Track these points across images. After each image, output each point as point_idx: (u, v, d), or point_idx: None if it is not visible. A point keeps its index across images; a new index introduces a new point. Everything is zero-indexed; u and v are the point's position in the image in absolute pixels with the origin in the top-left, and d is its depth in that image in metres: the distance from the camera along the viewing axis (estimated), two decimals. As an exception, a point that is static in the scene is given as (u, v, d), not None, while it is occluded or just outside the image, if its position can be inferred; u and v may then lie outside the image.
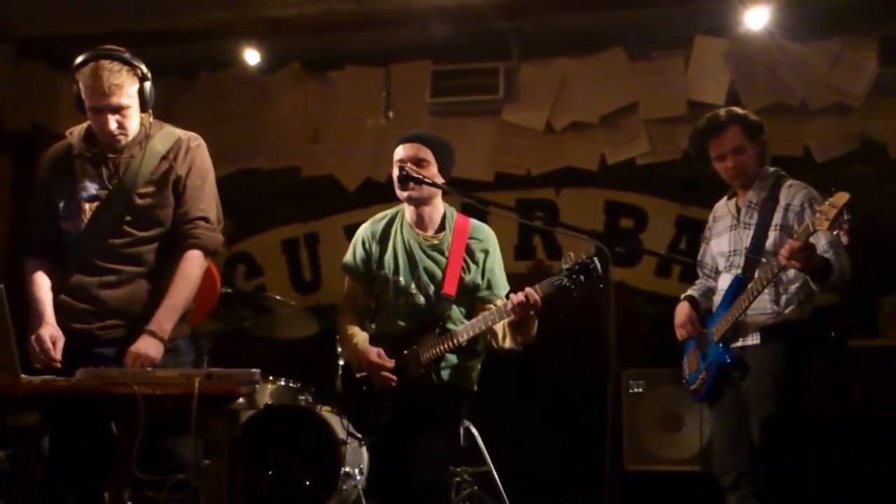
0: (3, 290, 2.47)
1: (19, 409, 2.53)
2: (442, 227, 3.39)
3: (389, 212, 3.49)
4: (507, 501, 4.63)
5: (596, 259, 3.10)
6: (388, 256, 3.37)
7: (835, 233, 3.11)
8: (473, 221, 3.44)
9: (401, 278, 3.33)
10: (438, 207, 3.41)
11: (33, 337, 2.83)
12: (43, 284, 2.96)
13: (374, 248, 3.41)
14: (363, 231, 3.48)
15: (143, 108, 3.02)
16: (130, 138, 3.00)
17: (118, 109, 2.92)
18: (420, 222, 3.39)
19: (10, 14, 5.62)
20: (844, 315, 5.22)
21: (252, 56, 6.00)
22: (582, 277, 3.10)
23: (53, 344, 2.83)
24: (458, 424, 3.45)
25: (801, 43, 5.45)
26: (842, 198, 3.12)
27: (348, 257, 3.47)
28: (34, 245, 3.01)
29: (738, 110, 3.66)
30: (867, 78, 5.41)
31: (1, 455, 3.40)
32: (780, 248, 3.29)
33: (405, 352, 3.28)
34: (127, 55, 2.94)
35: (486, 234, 3.43)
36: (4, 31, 5.90)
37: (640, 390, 5.20)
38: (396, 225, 3.42)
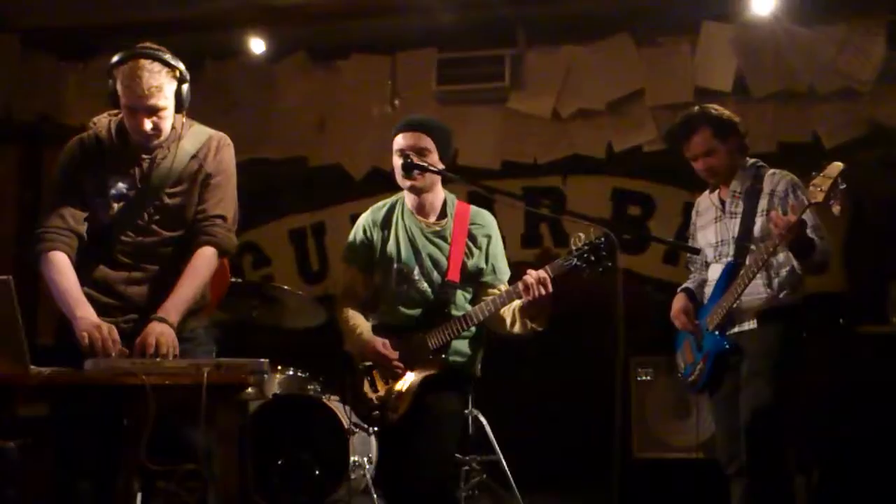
0: (11, 280, 2.46)
1: (29, 399, 2.53)
2: (443, 214, 3.39)
3: (389, 200, 3.49)
4: (515, 489, 4.64)
5: (604, 239, 3.08)
6: (391, 244, 3.36)
7: (830, 202, 3.12)
8: (474, 207, 3.44)
9: (404, 265, 3.33)
10: (439, 194, 3.41)
11: (91, 325, 2.75)
12: (72, 272, 2.90)
13: (376, 236, 3.40)
14: (364, 219, 3.47)
15: (179, 109, 2.99)
16: (163, 138, 2.99)
17: (155, 111, 2.89)
18: (421, 209, 3.39)
19: (16, 5, 5.62)
20: (853, 301, 5.21)
21: (258, 45, 6.00)
22: (593, 257, 3.09)
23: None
24: (464, 412, 3.45)
25: (808, 28, 5.42)
26: (835, 168, 3.15)
27: (349, 245, 3.47)
28: (57, 235, 2.93)
29: (711, 110, 3.65)
30: (875, 63, 5.38)
31: (11, 446, 3.41)
32: (768, 232, 3.33)
33: (411, 340, 3.28)
34: (168, 56, 2.90)
35: (487, 220, 3.42)
36: (10, 23, 5.90)
37: (648, 378, 5.20)
38: (397, 212, 3.41)
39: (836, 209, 3.15)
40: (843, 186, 3.13)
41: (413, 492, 3.17)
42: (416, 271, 3.32)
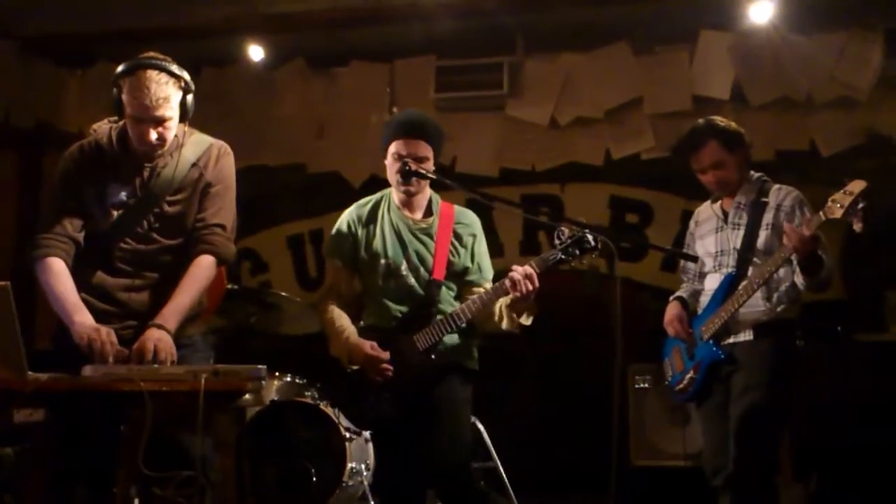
0: (8, 287, 2.47)
1: (26, 405, 2.53)
2: (429, 212, 3.41)
3: (374, 196, 3.50)
4: (513, 497, 4.64)
5: (587, 232, 3.10)
6: (377, 239, 3.36)
7: (849, 219, 3.12)
8: (458, 207, 3.47)
9: (391, 260, 3.33)
10: (426, 193, 3.44)
11: (90, 329, 2.76)
12: (69, 278, 2.90)
13: (360, 231, 3.40)
14: (348, 214, 3.48)
15: (183, 118, 3.00)
16: (166, 148, 2.99)
17: (162, 122, 2.90)
18: (409, 206, 3.41)
19: (15, 11, 5.62)
20: (851, 309, 5.21)
21: (256, 52, 6.01)
22: (577, 251, 3.11)
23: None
24: (469, 405, 3.42)
25: (806, 36, 5.44)
26: (858, 185, 3.14)
27: (331, 238, 3.46)
28: (55, 242, 2.93)
29: (717, 123, 3.64)
30: (873, 71, 5.39)
31: (8, 451, 3.40)
32: (772, 246, 3.32)
33: (399, 341, 3.27)
34: (174, 67, 2.91)
35: (471, 219, 3.45)
36: (9, 29, 5.90)
37: (646, 385, 5.20)
38: (383, 208, 3.43)
39: (857, 226, 3.13)
40: (862, 205, 3.12)
41: (439, 479, 3.20)
42: (404, 266, 3.33)
